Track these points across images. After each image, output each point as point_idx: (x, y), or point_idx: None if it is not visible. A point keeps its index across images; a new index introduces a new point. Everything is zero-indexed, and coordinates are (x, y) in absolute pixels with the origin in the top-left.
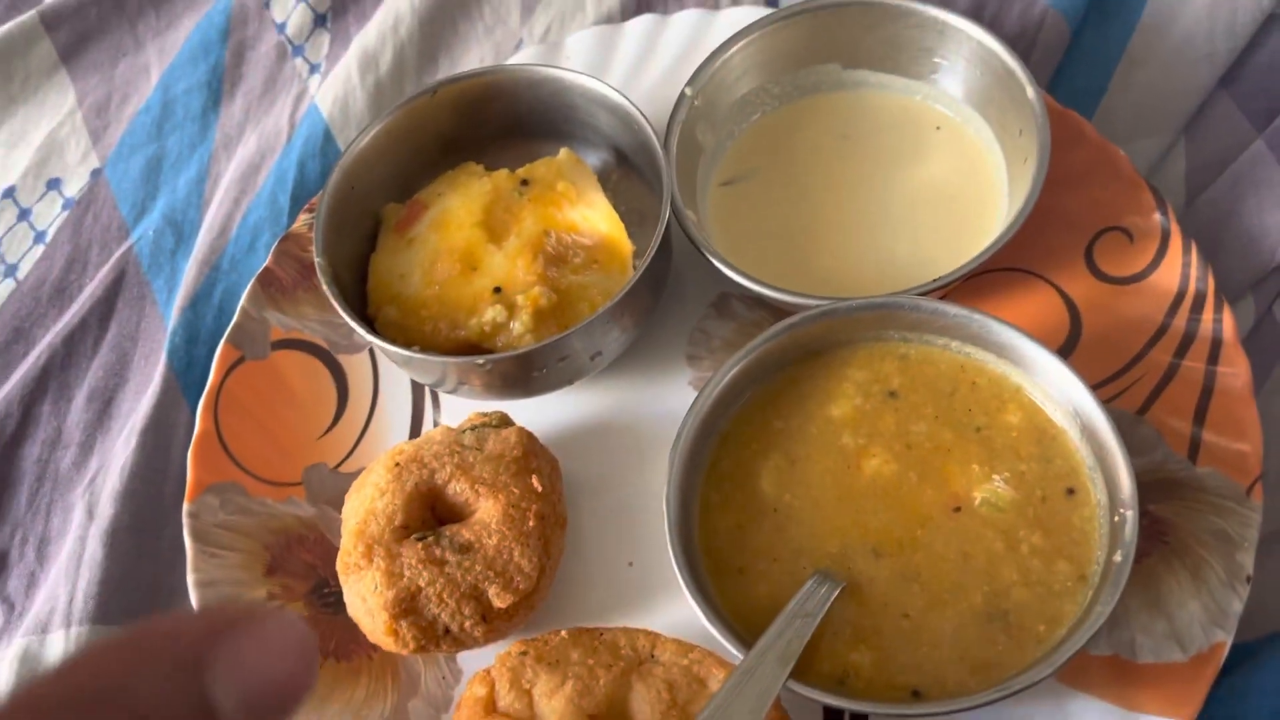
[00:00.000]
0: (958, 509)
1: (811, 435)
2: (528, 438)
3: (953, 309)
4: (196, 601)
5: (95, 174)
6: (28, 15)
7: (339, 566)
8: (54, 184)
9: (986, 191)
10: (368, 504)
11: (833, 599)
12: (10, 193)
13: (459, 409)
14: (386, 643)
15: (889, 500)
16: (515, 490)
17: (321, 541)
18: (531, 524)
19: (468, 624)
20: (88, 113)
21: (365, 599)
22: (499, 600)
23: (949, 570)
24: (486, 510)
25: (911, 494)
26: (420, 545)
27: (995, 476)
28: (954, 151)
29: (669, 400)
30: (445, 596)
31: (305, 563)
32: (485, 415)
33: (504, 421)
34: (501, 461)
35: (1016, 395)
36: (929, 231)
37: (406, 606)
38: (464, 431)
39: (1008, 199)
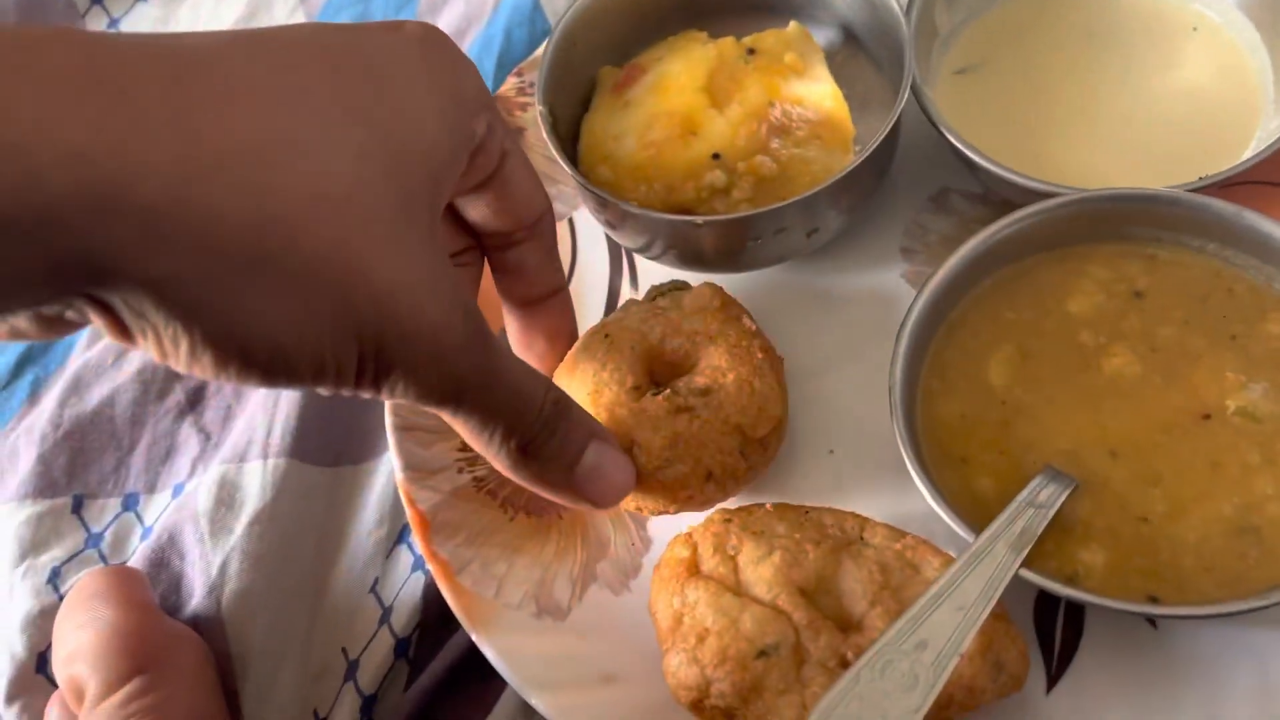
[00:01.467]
0: (1207, 416)
1: (1047, 330)
2: (719, 290)
3: (1218, 205)
4: (394, 443)
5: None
6: None
7: None
8: None
9: (1248, 97)
10: (592, 377)
11: (1065, 494)
12: None
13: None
14: (654, 503)
15: (1130, 402)
16: (731, 333)
17: None
18: (760, 356)
19: (730, 461)
20: None
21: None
22: (755, 430)
23: (1194, 478)
24: (710, 355)
25: (1155, 397)
26: (661, 399)
27: (1252, 384)
28: (1211, 54)
29: (879, 289)
30: (704, 437)
31: None
32: (664, 284)
33: (686, 284)
34: (706, 313)
35: None
36: (1181, 135)
37: (669, 455)
38: (655, 298)
39: (1274, 104)
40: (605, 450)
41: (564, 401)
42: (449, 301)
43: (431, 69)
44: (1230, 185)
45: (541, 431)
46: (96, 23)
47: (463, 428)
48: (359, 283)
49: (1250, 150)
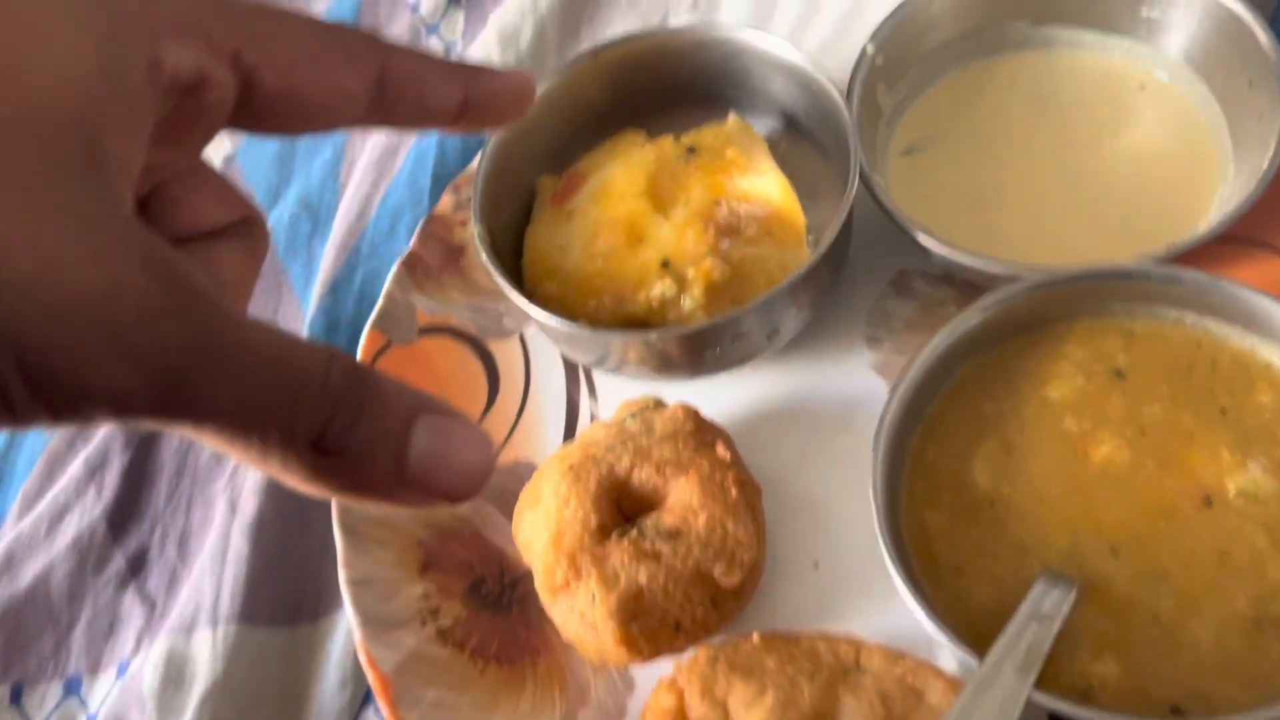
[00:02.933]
0: (1208, 500)
1: (1028, 419)
2: (694, 411)
3: (1191, 275)
4: (349, 599)
5: (228, 161)
6: None
7: (542, 589)
8: None
9: (1205, 154)
10: (555, 516)
11: (1069, 601)
12: None
13: (617, 395)
14: (618, 655)
15: (1124, 492)
16: (703, 463)
17: (477, 537)
18: (734, 493)
19: (699, 612)
20: None
21: (584, 614)
22: (727, 579)
23: (1203, 570)
24: (681, 490)
25: (1150, 484)
26: (626, 542)
27: (1250, 463)
28: (1163, 112)
29: (850, 384)
30: (671, 588)
31: (461, 559)
32: (637, 401)
33: (659, 403)
34: (677, 438)
35: (1267, 372)
36: (1142, 200)
37: (633, 609)
38: (624, 420)
39: (1233, 162)
40: (442, 423)
41: (360, 369)
42: (118, 249)
43: None
44: (1204, 247)
45: (339, 414)
46: None
47: (218, 436)
48: None
49: (1214, 208)
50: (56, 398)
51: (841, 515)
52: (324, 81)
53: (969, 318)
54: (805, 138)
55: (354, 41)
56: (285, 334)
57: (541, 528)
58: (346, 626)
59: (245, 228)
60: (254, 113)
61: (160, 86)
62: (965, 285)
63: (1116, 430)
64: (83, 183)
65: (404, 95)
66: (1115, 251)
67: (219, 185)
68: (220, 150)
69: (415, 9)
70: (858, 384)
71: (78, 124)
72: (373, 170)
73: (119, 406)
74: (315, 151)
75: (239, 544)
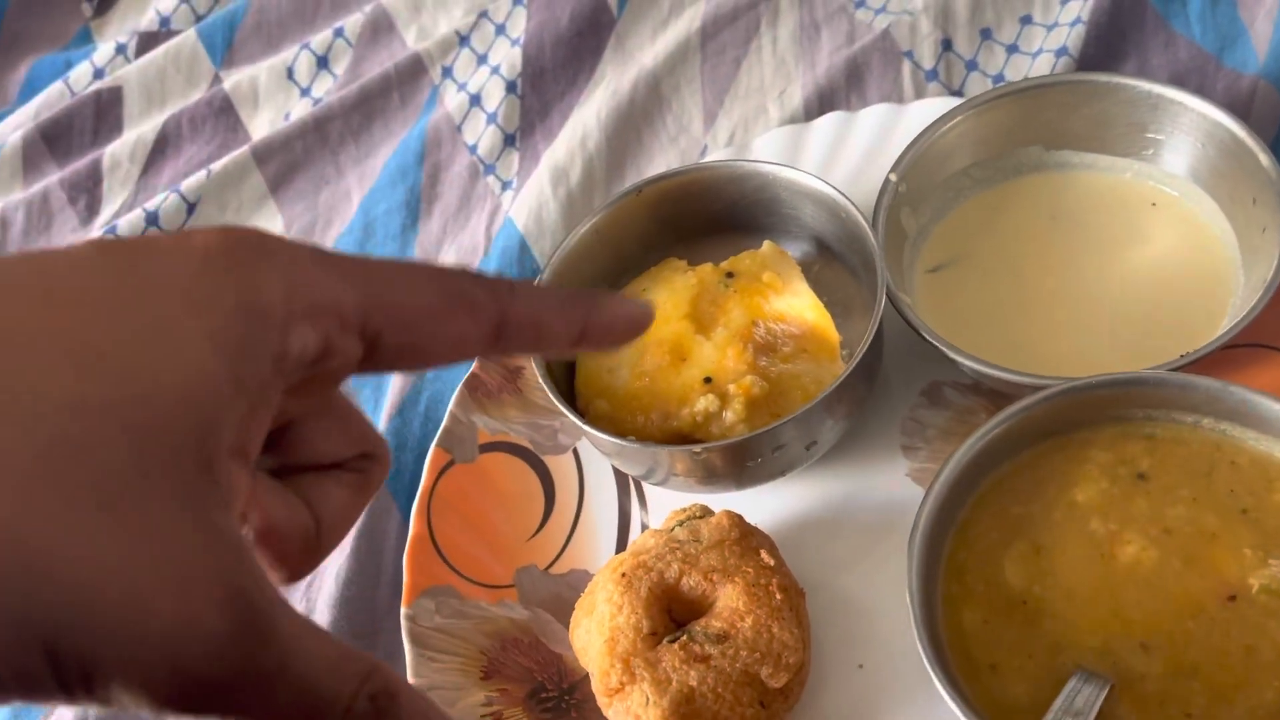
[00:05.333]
0: (1232, 598)
1: (1056, 522)
2: (739, 519)
3: (1205, 382)
4: None
5: None
6: (240, 151)
7: (599, 692)
8: None
9: (1216, 265)
10: (609, 623)
11: (1102, 697)
12: None
13: (665, 505)
14: None
15: (1152, 590)
16: (749, 570)
17: (536, 645)
18: (779, 598)
19: (749, 713)
20: (295, 237)
21: (639, 716)
22: (774, 680)
23: (1232, 665)
24: (728, 596)
25: (1177, 583)
26: (677, 646)
27: (1272, 561)
28: (1174, 227)
29: (887, 491)
30: (721, 690)
31: (522, 666)
32: (685, 510)
33: (707, 511)
34: (724, 545)
35: None
36: (1155, 309)
37: (685, 711)
38: (673, 529)
39: (1242, 271)
40: None
41: (391, 691)
42: (202, 582)
43: (210, 282)
44: (1219, 352)
45: None
46: None
47: None
48: (40, 572)
49: (1227, 317)
50: (82, 693)
51: (884, 617)
52: (445, 336)
53: (995, 426)
54: (837, 260)
55: (476, 292)
56: (326, 647)
57: (596, 633)
58: None
59: (363, 461)
60: (376, 363)
61: (285, 373)
62: (994, 394)
63: (1142, 531)
64: (187, 505)
65: (522, 336)
66: (1134, 360)
67: (347, 419)
68: None
69: (474, 149)
70: (895, 491)
71: (194, 436)
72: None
73: (148, 704)
74: None
75: None
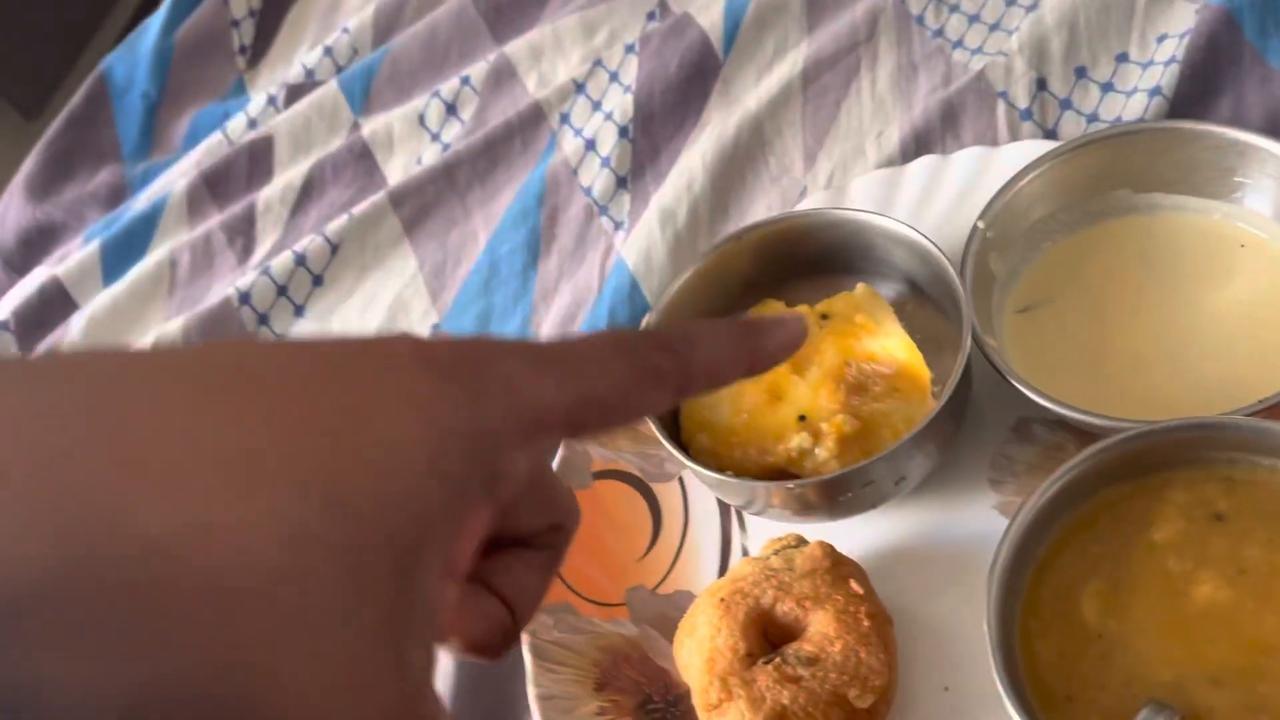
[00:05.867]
0: None
1: (1133, 560)
2: (830, 549)
3: (1278, 427)
4: (538, 713)
5: (435, 328)
6: (378, 196)
7: (699, 708)
8: None
9: None
10: (708, 643)
11: None
12: None
13: (765, 531)
14: None
15: (1225, 628)
16: (839, 597)
17: (645, 659)
18: (866, 624)
19: None
20: (428, 275)
21: None
22: (860, 701)
23: None
24: (819, 622)
25: (1251, 621)
26: (771, 667)
27: None
28: (1263, 268)
29: (975, 524)
30: (810, 709)
31: (632, 679)
32: (781, 539)
33: (801, 541)
34: (816, 574)
35: None
36: (1242, 351)
37: None
38: (769, 557)
39: None
40: None
41: None
42: (389, 707)
43: (429, 398)
44: None
45: None
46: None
47: None
48: (251, 700)
49: None
50: None
51: (969, 643)
52: (637, 410)
53: (1074, 467)
54: (929, 300)
55: (660, 360)
56: None
57: (697, 653)
58: None
59: (553, 535)
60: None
61: (497, 494)
62: (1081, 432)
63: (1218, 570)
64: (386, 639)
65: (702, 386)
66: (1218, 403)
67: (547, 492)
68: (428, 319)
69: (589, 191)
70: (983, 524)
71: (402, 564)
72: (555, 334)
73: None
74: (507, 319)
75: (447, 664)
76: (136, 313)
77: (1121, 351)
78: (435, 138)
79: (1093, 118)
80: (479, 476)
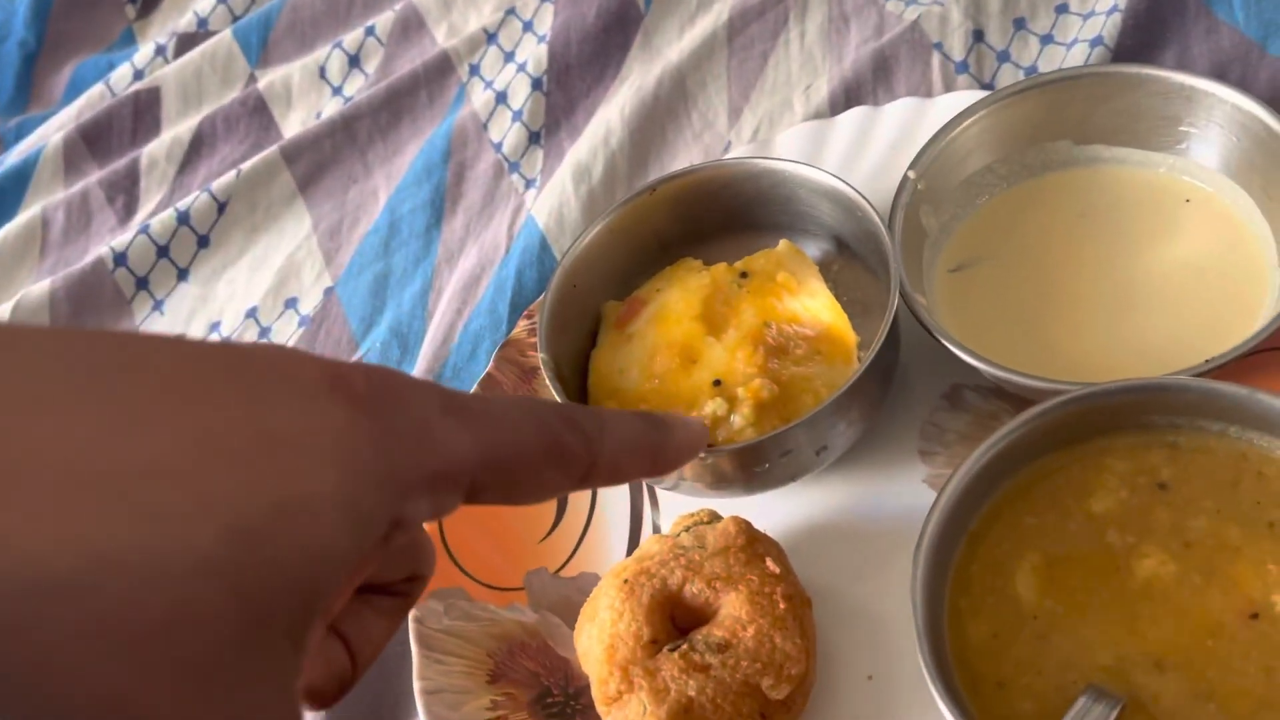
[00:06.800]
0: (1254, 616)
1: (1071, 534)
2: (746, 525)
3: (1230, 389)
4: (423, 709)
5: (328, 292)
6: (270, 150)
7: (598, 700)
8: (291, 303)
9: (1251, 264)
10: (609, 629)
11: (1114, 717)
12: (252, 313)
13: (678, 508)
14: None
15: (1169, 606)
16: (753, 578)
17: (545, 649)
18: (782, 606)
19: None
20: (322, 236)
21: None
22: (775, 692)
23: (1250, 687)
24: (731, 604)
25: (1196, 599)
26: (677, 655)
27: None
28: (1208, 224)
29: (902, 499)
30: (720, 700)
31: (529, 670)
32: (693, 515)
33: (714, 516)
34: (729, 553)
35: None
36: (1187, 311)
37: None
38: (679, 534)
39: (1278, 271)
40: None
41: None
42: None
43: (350, 440)
44: (1251, 355)
45: None
46: (143, 306)
47: None
48: None
49: (1261, 319)
50: None
51: (895, 627)
52: (537, 487)
53: (1009, 433)
54: (856, 259)
55: (571, 441)
56: None
57: (597, 640)
58: None
59: (408, 584)
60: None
61: (392, 539)
62: (1018, 398)
63: (1161, 544)
64: (277, 682)
65: (603, 480)
66: (1160, 364)
67: (415, 545)
68: (321, 283)
69: (499, 147)
70: (911, 498)
71: (299, 609)
72: (457, 299)
73: None
74: (406, 283)
75: None
76: (3, 276)
77: (1059, 313)
78: (337, 91)
79: (1031, 70)
80: (383, 523)
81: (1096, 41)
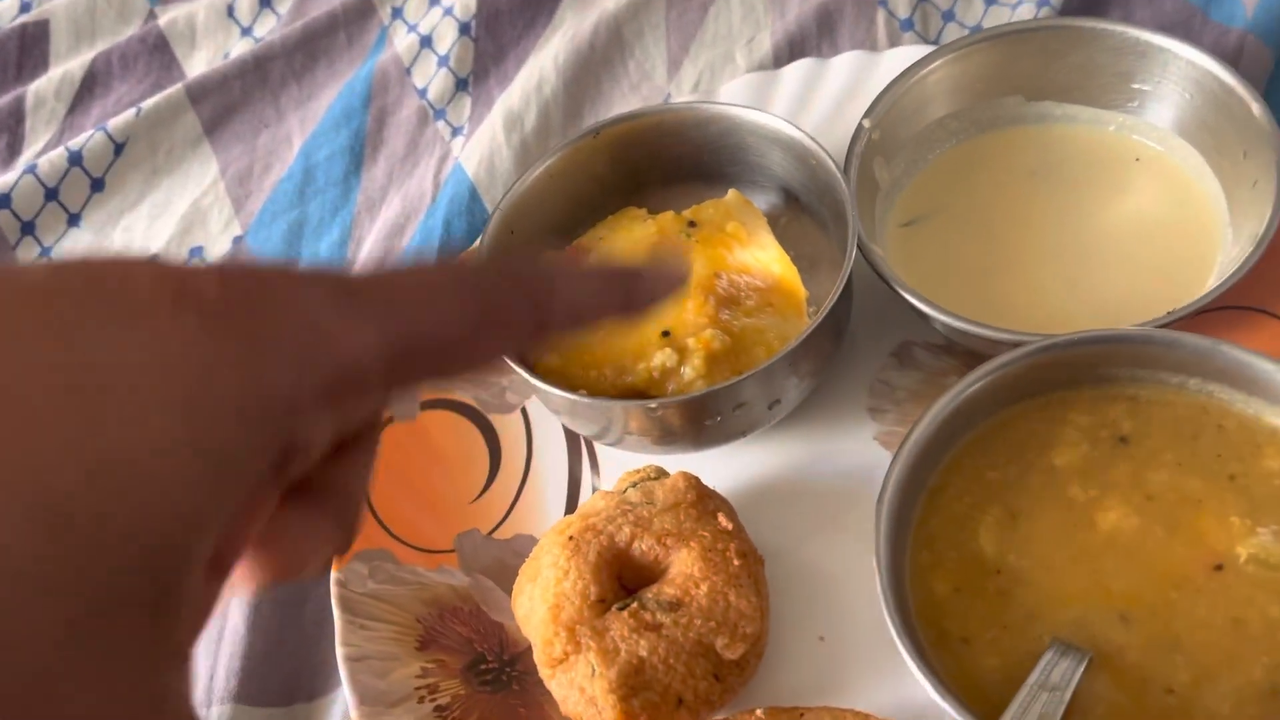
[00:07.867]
0: (1219, 567)
1: (1033, 487)
2: (695, 481)
3: (1192, 340)
4: (346, 676)
5: (237, 241)
6: (174, 89)
7: (541, 663)
8: (196, 252)
9: (1202, 222)
10: (554, 588)
11: (1080, 671)
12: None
13: (619, 468)
14: None
15: (1133, 559)
16: (705, 534)
17: (476, 613)
18: (736, 563)
19: (702, 686)
20: (230, 182)
21: (584, 688)
22: (729, 651)
23: (1217, 638)
24: (682, 561)
25: (1159, 551)
26: (626, 614)
27: (1261, 530)
28: (1158, 182)
29: (852, 457)
30: (672, 661)
31: (461, 636)
32: (639, 470)
33: (662, 473)
34: (679, 509)
35: (1274, 438)
36: (1139, 267)
37: (634, 683)
38: (625, 490)
39: (1230, 229)
40: None
41: None
42: None
43: (187, 355)
44: (1204, 313)
45: None
46: (28, 252)
47: None
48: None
49: (1214, 277)
50: None
51: (847, 587)
52: (477, 358)
53: (970, 385)
54: (805, 212)
55: (511, 302)
56: None
57: (540, 600)
58: (344, 706)
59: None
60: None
61: (289, 469)
62: (968, 355)
63: (1123, 497)
64: (142, 655)
65: (562, 328)
66: (1116, 320)
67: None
68: (230, 231)
69: (424, 93)
70: (861, 456)
71: (162, 568)
72: (379, 248)
73: None
74: (323, 231)
75: (235, 623)
76: None
77: (1012, 268)
78: (246, 32)
79: (976, 30)
80: (261, 454)
81: (1044, 2)
